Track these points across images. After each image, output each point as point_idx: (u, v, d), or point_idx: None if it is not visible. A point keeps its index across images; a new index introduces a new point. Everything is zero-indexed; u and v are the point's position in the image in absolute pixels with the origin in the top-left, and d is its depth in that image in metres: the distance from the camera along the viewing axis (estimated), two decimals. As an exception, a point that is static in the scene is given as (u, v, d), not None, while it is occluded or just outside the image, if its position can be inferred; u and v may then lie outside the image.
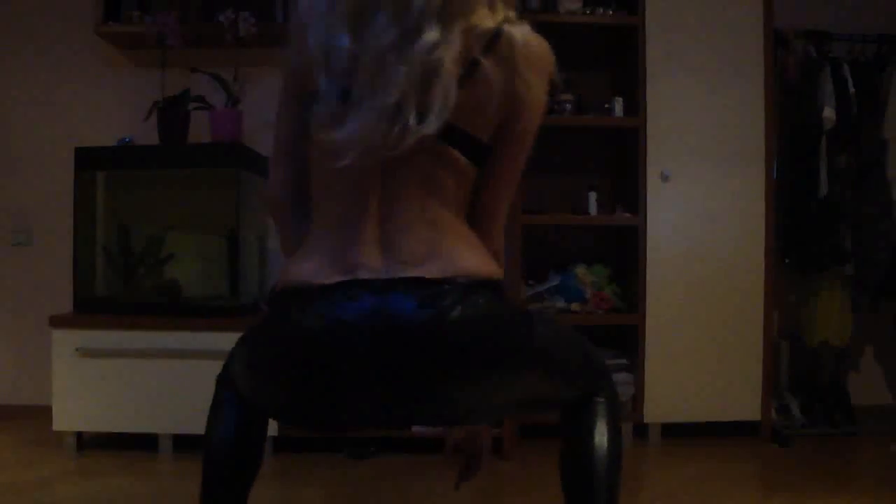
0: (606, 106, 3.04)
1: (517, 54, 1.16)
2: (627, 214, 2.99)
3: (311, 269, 1.11)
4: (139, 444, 2.73)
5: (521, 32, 1.18)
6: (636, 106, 2.95)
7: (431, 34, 1.07)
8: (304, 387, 1.11)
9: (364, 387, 1.08)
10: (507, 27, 1.16)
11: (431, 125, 1.07)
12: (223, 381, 1.30)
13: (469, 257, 1.12)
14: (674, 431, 2.94)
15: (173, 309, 2.77)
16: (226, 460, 1.29)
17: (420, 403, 1.11)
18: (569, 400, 1.29)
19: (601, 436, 1.25)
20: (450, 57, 1.08)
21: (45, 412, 2.79)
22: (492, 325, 1.09)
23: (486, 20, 1.14)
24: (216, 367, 1.34)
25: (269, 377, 1.15)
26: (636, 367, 2.92)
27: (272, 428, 2.67)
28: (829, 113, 2.97)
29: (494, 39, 1.13)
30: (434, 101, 1.07)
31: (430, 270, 1.08)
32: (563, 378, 1.26)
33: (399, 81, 1.06)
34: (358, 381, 1.08)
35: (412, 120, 1.07)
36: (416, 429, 2.70)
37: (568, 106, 3.01)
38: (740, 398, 2.92)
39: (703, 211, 2.93)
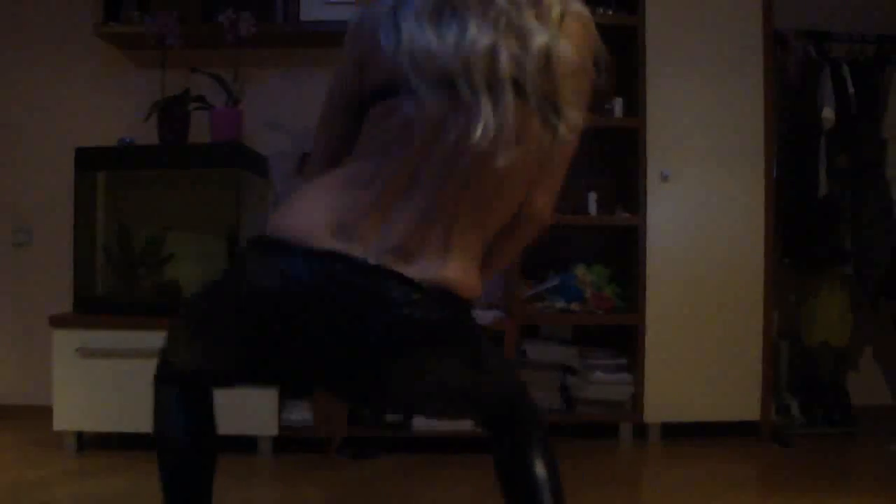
0: (606, 106, 3.04)
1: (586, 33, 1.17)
2: (627, 214, 2.99)
3: (309, 222, 1.10)
4: (139, 444, 2.73)
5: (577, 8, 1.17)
6: (636, 106, 2.95)
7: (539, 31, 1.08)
8: (259, 336, 1.13)
9: (307, 350, 1.11)
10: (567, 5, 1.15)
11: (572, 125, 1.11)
12: (164, 377, 1.31)
13: (455, 270, 1.12)
14: (674, 431, 2.94)
15: (173, 309, 2.75)
16: (184, 458, 1.30)
17: (354, 381, 1.14)
18: (492, 409, 1.29)
19: (542, 475, 1.27)
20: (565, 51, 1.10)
21: (45, 412, 2.79)
22: (438, 319, 1.11)
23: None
24: (216, 367, 1.35)
25: (232, 322, 1.16)
26: (636, 367, 2.93)
27: (271, 428, 2.67)
28: (828, 113, 2.97)
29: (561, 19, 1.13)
30: (566, 102, 1.10)
31: (408, 269, 1.08)
32: (488, 376, 1.26)
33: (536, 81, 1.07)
34: (306, 342, 1.10)
35: (558, 121, 1.09)
36: (416, 429, 2.71)
37: (568, 106, 3.00)
38: (740, 398, 2.92)
39: (703, 211, 2.93)
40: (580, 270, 3.07)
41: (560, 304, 2.99)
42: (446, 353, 1.15)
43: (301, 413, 2.74)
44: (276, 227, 1.13)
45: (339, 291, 1.07)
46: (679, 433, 2.94)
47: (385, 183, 1.10)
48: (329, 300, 1.06)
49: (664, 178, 2.92)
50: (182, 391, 1.29)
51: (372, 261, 1.07)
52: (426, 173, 1.10)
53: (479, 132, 1.05)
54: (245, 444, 2.65)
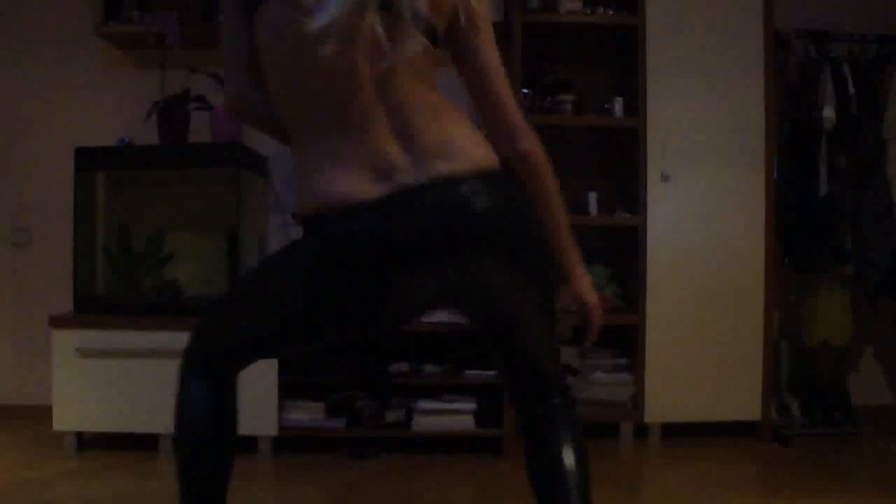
0: (606, 106, 3.04)
1: None
2: (627, 214, 2.99)
3: (346, 184, 1.12)
4: (139, 444, 2.74)
5: None
6: (636, 106, 2.95)
7: None
8: (361, 284, 1.15)
9: (411, 281, 1.15)
10: None
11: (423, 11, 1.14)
12: (193, 362, 1.30)
13: (477, 149, 1.18)
14: (674, 431, 2.94)
15: (173, 309, 2.77)
16: (207, 452, 1.28)
17: (458, 287, 1.18)
18: (536, 357, 1.33)
19: (570, 459, 1.27)
20: None
21: (45, 412, 2.79)
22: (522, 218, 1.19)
23: None
24: (216, 367, 1.34)
25: (321, 280, 1.16)
26: (636, 367, 2.92)
27: (272, 428, 2.67)
28: (829, 113, 2.97)
29: None
30: None
31: (454, 165, 1.13)
32: (546, 320, 1.34)
33: None
34: (413, 275, 1.15)
35: (406, 10, 1.12)
36: (416, 429, 2.70)
37: (568, 106, 3.01)
38: (740, 398, 2.92)
39: (703, 211, 2.93)
40: (580, 270, 3.06)
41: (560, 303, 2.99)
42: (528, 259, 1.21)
43: (301, 413, 2.74)
44: (317, 199, 1.15)
45: (419, 222, 1.11)
46: (679, 433, 2.94)
47: (354, 117, 1.14)
48: (417, 235, 1.11)
49: (664, 178, 2.91)
50: (211, 379, 1.28)
51: (422, 179, 1.12)
52: (366, 80, 1.14)
53: (317, 23, 1.09)
54: (245, 444, 2.65)
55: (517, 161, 1.29)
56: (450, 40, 1.26)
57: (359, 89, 1.14)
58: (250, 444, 2.68)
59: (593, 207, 3.03)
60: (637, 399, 2.93)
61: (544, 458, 1.28)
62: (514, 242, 1.18)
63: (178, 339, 2.61)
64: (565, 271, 1.45)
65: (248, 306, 1.26)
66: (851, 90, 3.01)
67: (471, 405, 2.72)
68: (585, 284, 1.48)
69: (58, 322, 2.69)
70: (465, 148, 1.16)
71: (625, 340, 3.04)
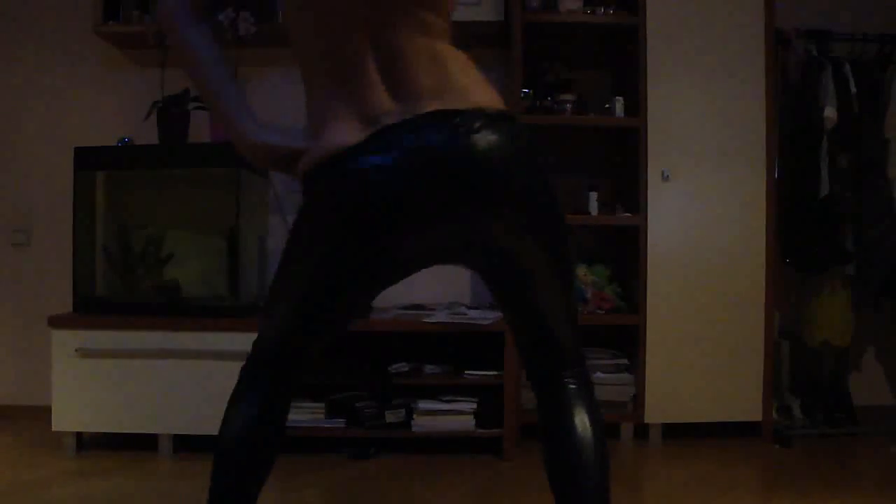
0: (606, 106, 3.04)
1: None
2: (628, 214, 2.99)
3: (336, 135, 1.11)
4: (139, 444, 2.73)
5: None
6: (636, 106, 2.95)
7: None
8: (360, 233, 1.11)
9: (413, 223, 1.10)
10: None
11: None
12: (257, 359, 1.27)
13: (481, 90, 1.14)
14: (674, 431, 2.94)
15: (173, 309, 2.77)
16: (249, 458, 1.24)
17: (460, 230, 1.13)
18: (547, 316, 1.24)
19: (585, 434, 1.22)
20: None
21: (45, 412, 2.79)
22: (524, 155, 1.12)
23: None
24: (216, 367, 1.34)
25: (323, 238, 1.14)
26: (637, 367, 2.92)
27: (272, 428, 2.67)
28: (830, 112, 2.96)
29: None
30: None
31: (447, 104, 1.09)
32: (560, 279, 1.23)
33: None
34: (409, 218, 1.10)
35: None
36: (416, 429, 2.70)
37: (568, 106, 3.01)
38: (741, 398, 2.91)
39: (703, 211, 2.92)
40: (581, 270, 3.06)
41: (560, 304, 2.99)
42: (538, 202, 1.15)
43: (301, 413, 2.74)
44: (316, 154, 1.13)
45: (415, 153, 1.08)
46: (679, 433, 2.94)
47: (346, 69, 1.13)
48: (414, 168, 1.07)
49: (664, 178, 2.91)
50: (268, 386, 1.25)
51: (407, 116, 1.09)
52: (361, 28, 1.12)
53: None
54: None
55: None
56: None
57: (352, 33, 1.12)
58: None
59: (593, 207, 3.02)
60: (637, 399, 2.93)
61: (558, 444, 1.24)
62: (520, 188, 1.11)
63: (178, 339, 2.65)
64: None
65: (281, 294, 1.23)
66: (853, 90, 3.01)
67: (471, 405, 2.72)
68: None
69: (57, 322, 2.69)
70: (465, 87, 1.12)
71: (625, 340, 3.03)
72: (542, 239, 1.17)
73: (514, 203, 1.11)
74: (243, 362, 1.29)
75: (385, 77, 1.13)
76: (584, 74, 3.23)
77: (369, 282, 1.19)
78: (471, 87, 1.13)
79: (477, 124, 1.08)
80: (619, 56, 3.22)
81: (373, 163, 1.08)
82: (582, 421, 1.23)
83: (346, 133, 1.11)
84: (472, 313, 2.88)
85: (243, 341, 2.60)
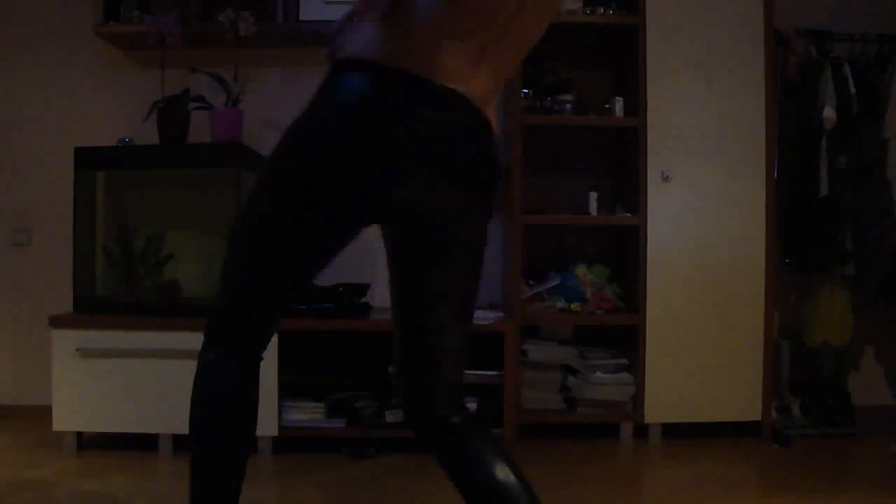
0: (606, 106, 3.04)
1: None
2: (628, 214, 2.99)
3: (435, 63, 1.11)
4: (139, 444, 2.73)
5: None
6: (636, 106, 2.95)
7: None
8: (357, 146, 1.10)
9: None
10: None
11: None
12: (215, 339, 1.27)
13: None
14: (674, 431, 2.94)
15: (173, 309, 2.77)
16: (230, 447, 1.21)
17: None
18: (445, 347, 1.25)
19: (505, 474, 1.23)
20: None
21: (45, 412, 2.79)
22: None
23: None
24: (216, 367, 1.33)
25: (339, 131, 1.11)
26: (636, 367, 2.92)
27: (271, 428, 2.67)
28: (829, 113, 2.97)
29: None
30: None
31: (488, 114, 1.19)
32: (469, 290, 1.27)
33: None
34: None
35: None
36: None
37: (568, 106, 3.01)
38: (740, 398, 2.91)
39: (703, 211, 2.92)
40: (580, 270, 3.06)
41: (560, 304, 2.99)
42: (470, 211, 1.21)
43: (301, 413, 2.74)
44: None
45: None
46: (679, 433, 2.94)
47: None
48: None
49: (664, 178, 2.91)
50: (238, 358, 1.23)
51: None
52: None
53: None
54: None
55: None
56: None
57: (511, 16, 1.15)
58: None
59: (593, 207, 3.02)
60: (637, 399, 2.93)
61: (475, 482, 1.25)
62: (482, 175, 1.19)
63: (178, 339, 2.65)
64: None
65: (264, 251, 1.19)
66: (852, 90, 3.01)
67: (471, 405, 2.72)
68: None
69: (58, 322, 2.69)
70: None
71: (625, 340, 3.03)
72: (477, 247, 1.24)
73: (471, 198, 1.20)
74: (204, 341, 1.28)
75: (483, 57, 1.15)
76: (584, 74, 3.24)
77: (344, 239, 1.20)
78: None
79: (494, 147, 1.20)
80: (619, 56, 3.22)
81: (436, 116, 1.10)
82: (503, 470, 1.24)
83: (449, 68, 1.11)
84: (472, 313, 2.88)
85: (243, 341, 2.60)
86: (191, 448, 1.22)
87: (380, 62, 1.10)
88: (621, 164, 3.19)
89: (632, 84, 3.00)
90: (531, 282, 3.07)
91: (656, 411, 2.92)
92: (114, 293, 2.99)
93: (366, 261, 3.17)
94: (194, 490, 1.21)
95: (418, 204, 1.14)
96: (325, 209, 1.14)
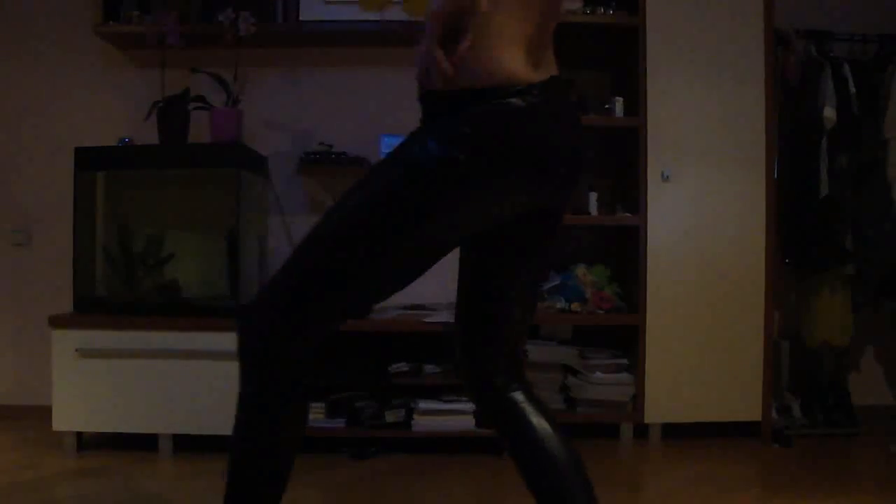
0: (606, 106, 3.04)
1: None
2: (628, 214, 2.99)
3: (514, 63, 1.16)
4: (139, 444, 2.73)
5: None
6: (636, 106, 2.95)
7: None
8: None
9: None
10: None
11: None
12: (277, 361, 1.16)
13: None
14: (674, 431, 2.94)
15: (173, 309, 2.77)
16: (280, 476, 1.23)
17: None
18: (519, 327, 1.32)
19: (544, 429, 1.27)
20: None
21: (45, 412, 2.79)
22: None
23: None
24: (216, 367, 1.33)
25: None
26: (636, 367, 2.92)
27: (272, 428, 2.67)
28: (829, 113, 2.97)
29: None
30: None
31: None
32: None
33: None
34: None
35: None
36: (416, 429, 2.70)
37: (568, 106, 3.00)
38: (741, 398, 2.91)
39: (703, 211, 2.92)
40: (581, 270, 3.06)
41: (560, 304, 2.99)
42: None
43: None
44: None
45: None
46: (679, 433, 2.94)
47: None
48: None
49: (664, 178, 2.91)
50: (296, 383, 1.18)
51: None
52: None
53: None
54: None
55: None
56: None
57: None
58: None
59: (593, 207, 3.02)
60: (637, 399, 2.93)
61: (524, 445, 1.27)
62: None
63: (178, 339, 2.65)
64: None
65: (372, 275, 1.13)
66: (852, 90, 3.01)
67: (471, 405, 2.72)
68: None
69: (57, 322, 2.69)
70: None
71: (625, 340, 3.03)
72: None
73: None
74: (277, 359, 1.18)
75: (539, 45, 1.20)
76: (584, 74, 3.24)
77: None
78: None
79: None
80: (619, 56, 3.22)
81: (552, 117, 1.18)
82: (538, 420, 1.28)
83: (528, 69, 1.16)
84: (472, 313, 2.88)
85: (243, 341, 2.60)
86: (238, 467, 1.20)
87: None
88: (621, 164, 3.19)
89: (632, 84, 3.00)
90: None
91: (656, 411, 2.92)
92: (114, 293, 2.99)
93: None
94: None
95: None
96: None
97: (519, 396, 1.29)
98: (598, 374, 2.90)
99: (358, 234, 1.11)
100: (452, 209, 1.12)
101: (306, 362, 1.20)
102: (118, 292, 3.00)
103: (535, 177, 1.17)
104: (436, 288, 3.24)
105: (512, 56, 1.14)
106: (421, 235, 1.12)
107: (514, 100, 1.12)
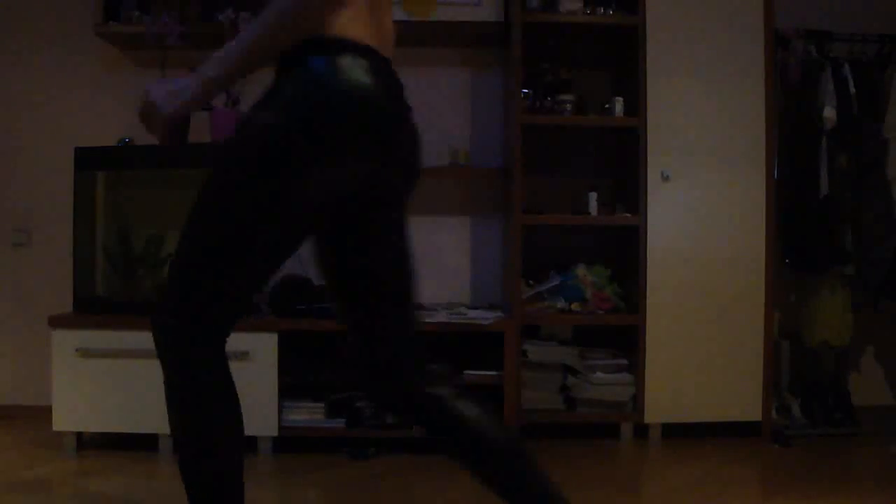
0: (606, 106, 3.04)
1: None
2: (627, 214, 2.99)
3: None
4: (139, 444, 2.74)
5: None
6: (636, 106, 2.95)
7: None
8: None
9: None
10: None
11: None
12: (200, 336, 1.22)
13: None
14: (674, 431, 2.94)
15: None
16: (231, 453, 1.23)
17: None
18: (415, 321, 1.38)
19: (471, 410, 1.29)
20: None
21: (45, 412, 2.79)
22: None
23: None
24: (215, 367, 1.32)
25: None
26: (636, 367, 2.92)
27: (271, 428, 2.67)
28: (829, 113, 2.97)
29: None
30: None
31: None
32: None
33: None
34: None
35: None
36: (416, 429, 2.70)
37: (568, 106, 3.01)
38: (741, 398, 2.91)
39: (703, 211, 2.92)
40: (580, 270, 3.06)
41: (560, 304, 2.99)
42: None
43: (301, 413, 2.74)
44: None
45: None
46: (679, 433, 2.94)
47: None
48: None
49: (664, 178, 2.91)
50: (222, 356, 1.21)
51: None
52: None
53: None
54: (245, 445, 2.65)
55: None
56: None
57: None
58: (250, 444, 2.68)
59: (593, 207, 3.02)
60: (637, 399, 2.93)
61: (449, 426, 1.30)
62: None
63: (178, 339, 2.63)
64: None
65: (256, 250, 1.21)
66: (852, 90, 3.01)
67: (471, 405, 2.71)
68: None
69: (57, 322, 2.69)
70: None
71: (625, 340, 3.03)
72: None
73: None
74: (190, 334, 1.24)
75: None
76: (584, 74, 3.24)
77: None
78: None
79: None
80: (618, 56, 3.22)
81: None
82: (466, 405, 1.29)
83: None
84: (472, 313, 2.88)
85: (242, 341, 2.60)
86: (192, 455, 1.20)
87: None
88: (621, 164, 3.19)
89: (632, 84, 3.00)
90: (531, 282, 3.07)
91: (656, 411, 2.92)
92: (114, 293, 2.99)
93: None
94: (201, 498, 1.19)
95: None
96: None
97: (440, 391, 1.31)
98: (598, 374, 2.90)
99: (224, 216, 1.24)
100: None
101: (217, 345, 1.23)
102: (118, 292, 2.99)
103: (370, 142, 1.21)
104: (436, 288, 3.25)
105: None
106: (275, 204, 1.20)
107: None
